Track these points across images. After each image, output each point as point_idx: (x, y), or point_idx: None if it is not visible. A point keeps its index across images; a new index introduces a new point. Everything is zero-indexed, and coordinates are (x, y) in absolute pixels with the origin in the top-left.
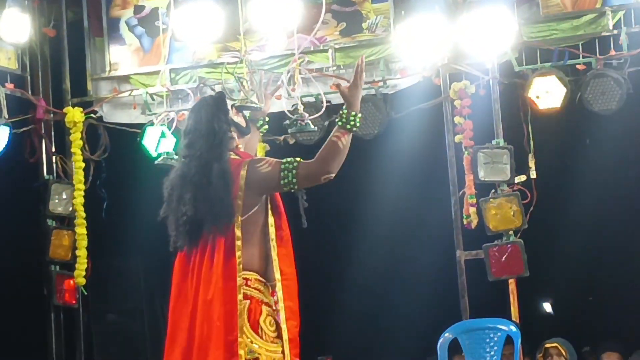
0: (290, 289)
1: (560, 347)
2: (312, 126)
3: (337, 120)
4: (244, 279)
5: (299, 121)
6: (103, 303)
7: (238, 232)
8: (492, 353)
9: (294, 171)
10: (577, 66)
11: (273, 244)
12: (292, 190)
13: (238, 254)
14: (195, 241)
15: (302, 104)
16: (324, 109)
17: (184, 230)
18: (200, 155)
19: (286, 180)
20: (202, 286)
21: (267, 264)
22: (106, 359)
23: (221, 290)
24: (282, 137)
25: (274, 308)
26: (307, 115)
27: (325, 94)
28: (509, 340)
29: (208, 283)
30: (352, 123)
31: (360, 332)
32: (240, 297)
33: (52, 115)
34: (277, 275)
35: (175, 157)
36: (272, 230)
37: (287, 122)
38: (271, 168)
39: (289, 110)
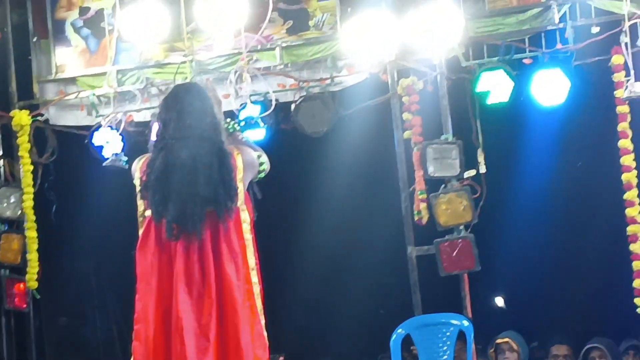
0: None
1: (511, 342)
2: (261, 125)
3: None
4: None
5: (248, 120)
6: (54, 307)
7: (244, 215)
8: (444, 348)
9: (264, 164)
10: (524, 60)
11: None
12: (256, 180)
13: (246, 236)
14: (202, 224)
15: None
16: (274, 106)
17: (194, 212)
18: (207, 136)
19: (262, 168)
20: (222, 269)
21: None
22: None
23: (246, 273)
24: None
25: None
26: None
27: (272, 92)
28: (461, 335)
29: (232, 265)
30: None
31: (312, 330)
32: (255, 279)
33: None
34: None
35: (124, 158)
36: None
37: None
38: (254, 155)
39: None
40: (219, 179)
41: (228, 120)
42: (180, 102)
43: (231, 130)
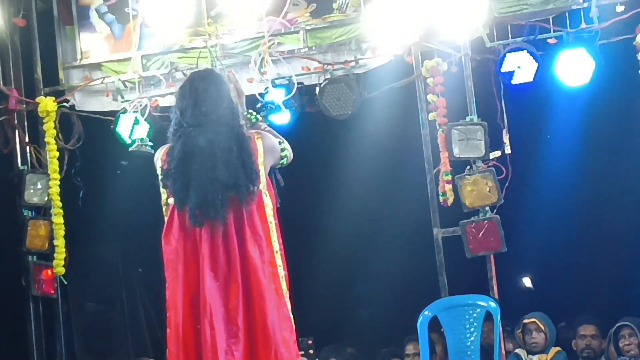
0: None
1: (538, 322)
2: (283, 108)
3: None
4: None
5: (269, 105)
6: (82, 292)
7: (267, 199)
8: (471, 329)
9: (286, 151)
10: (548, 40)
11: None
12: (279, 167)
13: (269, 219)
14: (225, 209)
15: (275, 86)
16: (295, 89)
17: (215, 197)
18: (224, 122)
19: (283, 154)
20: (247, 252)
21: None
22: (87, 349)
23: (271, 256)
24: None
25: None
26: (279, 97)
27: (296, 75)
28: (488, 317)
29: (256, 248)
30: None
31: (339, 312)
32: (279, 262)
33: (24, 105)
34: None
35: (150, 143)
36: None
37: (258, 105)
38: (275, 140)
39: (260, 93)
40: (239, 163)
41: (250, 110)
42: (195, 89)
43: (254, 121)
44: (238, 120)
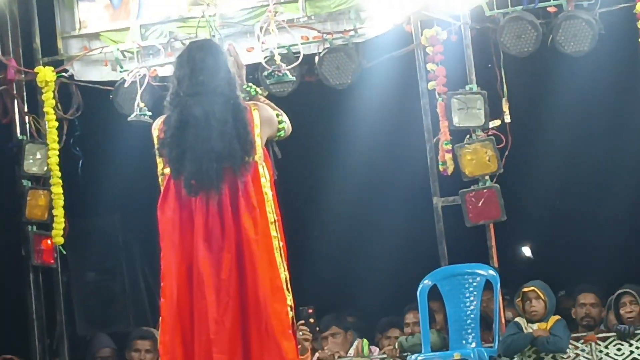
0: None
1: (538, 290)
2: (290, 76)
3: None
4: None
5: (276, 72)
6: (82, 262)
7: (263, 170)
8: (471, 298)
9: (284, 123)
10: (548, 9)
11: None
12: (276, 139)
13: (265, 190)
14: (219, 179)
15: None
16: (300, 59)
17: (210, 168)
18: (220, 92)
19: (281, 126)
20: (240, 223)
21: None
22: (87, 318)
23: (265, 227)
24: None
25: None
26: (284, 65)
27: (295, 45)
28: (488, 286)
29: (249, 219)
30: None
31: (339, 281)
32: (274, 233)
33: (23, 75)
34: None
35: (149, 113)
36: None
37: (265, 73)
38: (272, 112)
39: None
40: (234, 134)
41: (250, 84)
42: (192, 59)
43: (253, 94)
44: (235, 91)
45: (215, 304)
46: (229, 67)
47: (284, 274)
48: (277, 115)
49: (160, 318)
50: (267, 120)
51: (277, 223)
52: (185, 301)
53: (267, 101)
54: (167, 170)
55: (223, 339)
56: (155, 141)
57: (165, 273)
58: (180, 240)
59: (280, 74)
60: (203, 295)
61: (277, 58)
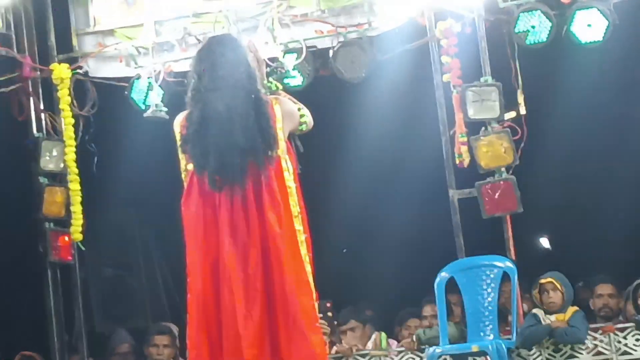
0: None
1: (555, 282)
2: (292, 72)
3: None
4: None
5: (279, 69)
6: (99, 258)
7: (286, 164)
8: (489, 290)
9: (306, 117)
10: None
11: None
12: (298, 133)
13: (289, 184)
14: (243, 174)
15: (288, 50)
16: (304, 55)
17: (234, 162)
18: (241, 86)
19: (302, 120)
20: (265, 218)
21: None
22: (105, 314)
23: (289, 221)
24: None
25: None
26: (287, 62)
27: (309, 39)
28: (506, 277)
29: (274, 214)
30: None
31: (356, 274)
32: (299, 227)
33: (38, 72)
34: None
35: (164, 109)
36: None
37: (268, 69)
38: (293, 106)
39: (270, 58)
40: (257, 128)
41: (271, 79)
42: (212, 53)
43: (274, 89)
44: (256, 84)
45: (243, 299)
46: (249, 61)
47: (308, 266)
48: (299, 109)
49: (188, 314)
50: (288, 113)
51: (300, 216)
52: (211, 296)
53: (288, 95)
54: (191, 167)
55: (253, 333)
56: (178, 137)
57: (191, 268)
58: (204, 235)
59: (283, 71)
60: (230, 291)
61: (280, 54)
